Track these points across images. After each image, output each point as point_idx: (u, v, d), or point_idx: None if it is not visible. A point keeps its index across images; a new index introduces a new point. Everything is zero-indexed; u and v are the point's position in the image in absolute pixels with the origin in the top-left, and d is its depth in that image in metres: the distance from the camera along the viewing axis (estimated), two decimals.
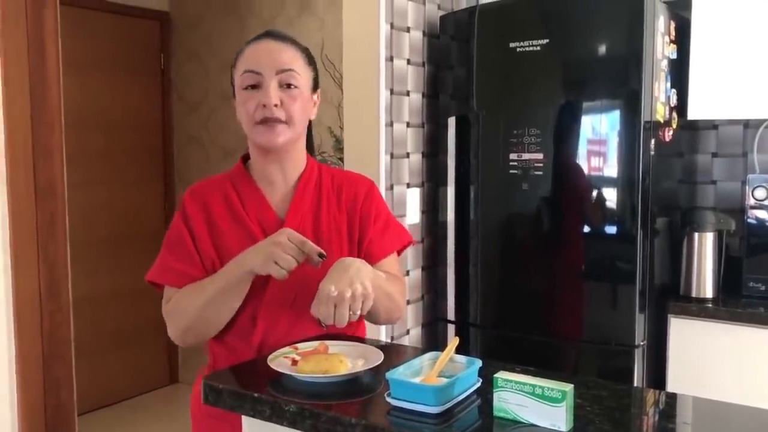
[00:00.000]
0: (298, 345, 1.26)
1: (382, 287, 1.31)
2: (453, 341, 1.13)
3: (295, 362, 1.19)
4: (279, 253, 1.24)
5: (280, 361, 1.20)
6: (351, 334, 1.45)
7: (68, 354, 3.33)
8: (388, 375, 1.03)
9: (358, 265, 1.27)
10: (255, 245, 1.30)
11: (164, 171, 4.40)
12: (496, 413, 1.00)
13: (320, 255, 1.27)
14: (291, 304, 1.38)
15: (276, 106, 1.34)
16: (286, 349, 1.25)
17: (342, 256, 1.36)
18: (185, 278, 1.37)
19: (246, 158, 1.50)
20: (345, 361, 1.16)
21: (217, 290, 1.31)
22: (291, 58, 1.38)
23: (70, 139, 3.61)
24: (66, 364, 3.30)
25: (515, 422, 0.98)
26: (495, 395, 0.99)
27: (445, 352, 1.11)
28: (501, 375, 0.99)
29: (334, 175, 1.52)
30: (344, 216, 1.46)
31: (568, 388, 0.95)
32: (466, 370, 1.07)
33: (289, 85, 1.36)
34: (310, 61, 1.44)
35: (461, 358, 1.13)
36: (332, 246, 1.41)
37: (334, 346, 1.26)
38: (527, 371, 1.18)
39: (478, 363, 1.10)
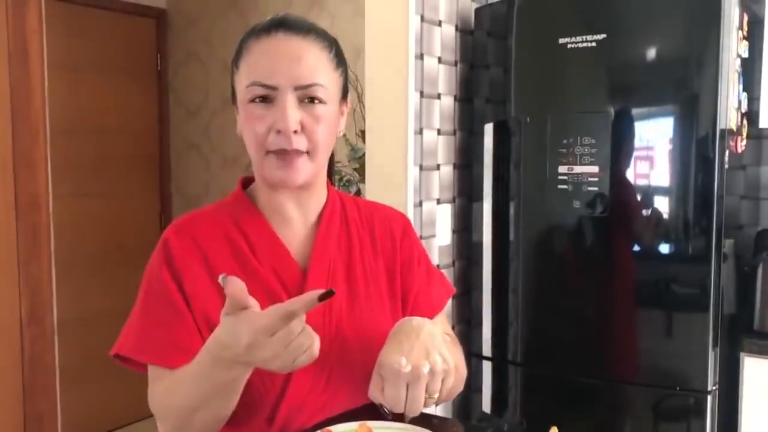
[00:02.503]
0: (332, 429, 0.94)
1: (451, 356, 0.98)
2: None
3: None
4: (292, 351, 0.83)
5: None
6: None
7: (52, 384, 3.01)
8: None
9: (428, 327, 0.95)
10: (235, 332, 0.84)
11: (161, 181, 4.09)
12: None
13: (322, 296, 0.82)
14: (324, 386, 1.04)
15: (296, 132, 0.99)
16: None
17: (383, 315, 1.04)
18: (176, 353, 0.97)
19: (246, 182, 1.14)
20: None
21: (211, 384, 0.90)
22: (314, 64, 1.01)
23: (58, 147, 3.31)
24: (49, 395, 2.99)
25: None
26: None
27: None
28: None
29: (360, 207, 1.18)
30: (381, 260, 1.13)
31: None
32: None
33: (312, 99, 1.01)
34: (340, 60, 1.07)
35: None
36: (371, 303, 1.08)
37: (378, 429, 0.94)
38: None
39: None
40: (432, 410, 1.88)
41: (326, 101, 1.02)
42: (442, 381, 0.92)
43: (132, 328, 1.02)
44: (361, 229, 1.14)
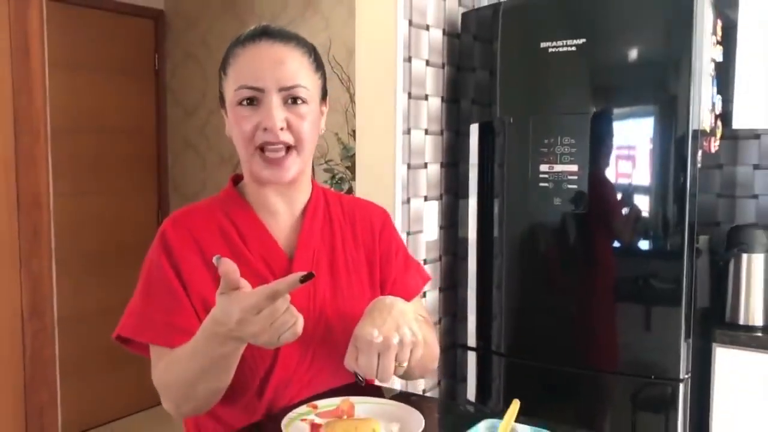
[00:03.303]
0: (317, 403, 1.03)
1: (423, 333, 1.08)
2: (513, 406, 0.91)
3: (315, 427, 0.97)
4: (277, 327, 0.91)
5: (296, 426, 0.97)
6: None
7: (52, 377, 3.09)
8: None
9: (400, 305, 1.04)
10: (226, 313, 0.92)
11: (158, 180, 4.17)
12: None
13: (304, 278, 0.90)
14: (309, 364, 1.13)
15: (282, 129, 1.08)
16: (303, 408, 1.02)
17: (363, 301, 1.12)
18: (176, 334, 1.06)
19: (236, 179, 1.23)
20: (378, 428, 0.93)
21: (207, 359, 1.00)
22: (296, 67, 1.11)
23: (57, 145, 3.38)
24: (50, 387, 3.06)
25: None
26: None
27: (504, 420, 0.89)
28: None
29: (343, 202, 1.28)
30: (362, 252, 1.23)
31: None
32: None
33: (295, 100, 1.10)
34: (319, 63, 1.18)
35: (525, 429, 0.91)
36: (352, 289, 1.18)
37: (360, 403, 1.03)
38: None
39: None
40: None
41: (308, 101, 1.12)
42: (411, 352, 1.01)
43: (133, 312, 1.11)
44: (344, 222, 1.23)
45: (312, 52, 1.16)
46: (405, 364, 1.00)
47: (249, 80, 1.09)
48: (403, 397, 1.12)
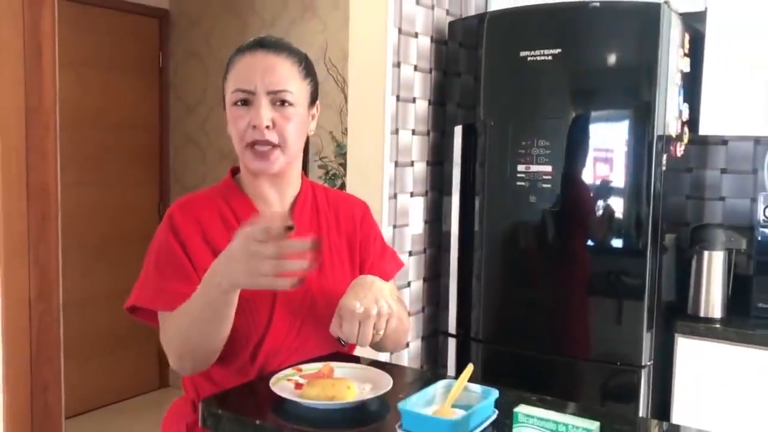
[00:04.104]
0: (302, 366, 1.20)
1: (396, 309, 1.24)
2: (467, 369, 1.07)
3: (298, 386, 1.13)
4: (259, 263, 1.03)
5: (282, 384, 1.13)
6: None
7: (57, 356, 3.25)
8: (401, 406, 0.97)
9: (379, 283, 1.21)
10: (227, 252, 1.08)
11: (160, 172, 4.33)
12: None
13: (313, 244, 1.05)
14: (297, 334, 1.29)
15: (268, 127, 1.24)
16: (289, 371, 1.18)
17: (344, 281, 1.28)
18: (184, 300, 1.17)
19: (235, 170, 1.39)
20: (352, 387, 1.09)
21: (198, 311, 1.14)
22: (285, 74, 1.26)
23: (65, 138, 3.53)
24: (54, 366, 3.22)
25: None
26: (515, 430, 0.93)
27: (459, 380, 1.05)
28: (521, 409, 0.93)
29: (328, 195, 1.44)
30: (344, 239, 1.39)
31: (595, 426, 0.89)
32: (483, 402, 1.01)
33: (283, 103, 1.26)
34: (309, 71, 1.33)
35: (476, 387, 1.07)
36: (335, 270, 1.34)
37: (339, 368, 1.19)
38: (544, 401, 1.12)
39: (495, 393, 1.04)
40: None
41: (294, 104, 1.27)
42: (387, 322, 1.18)
43: (145, 284, 1.25)
44: (329, 213, 1.40)
45: (303, 61, 1.32)
46: (381, 332, 1.18)
47: (242, 84, 1.26)
48: (377, 364, 1.28)
